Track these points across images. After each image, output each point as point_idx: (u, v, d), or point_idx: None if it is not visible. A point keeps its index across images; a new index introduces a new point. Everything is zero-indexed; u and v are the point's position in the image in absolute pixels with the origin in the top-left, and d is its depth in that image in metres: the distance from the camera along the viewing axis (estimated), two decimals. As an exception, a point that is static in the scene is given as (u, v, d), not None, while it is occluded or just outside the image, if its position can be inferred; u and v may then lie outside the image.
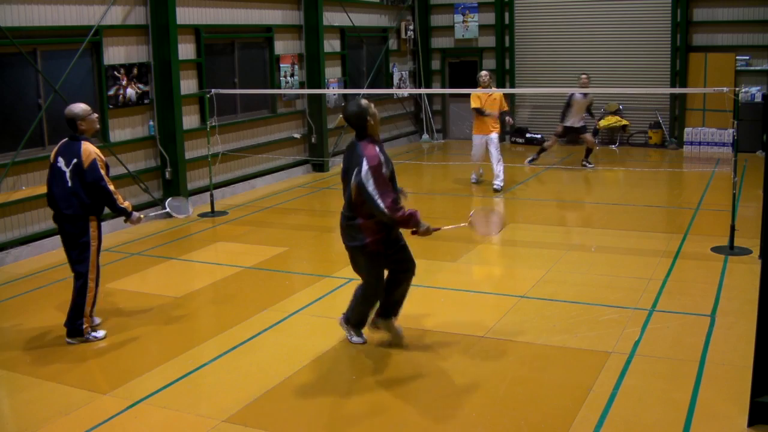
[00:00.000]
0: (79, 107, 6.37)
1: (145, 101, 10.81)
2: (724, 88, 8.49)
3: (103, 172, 6.25)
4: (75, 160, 6.22)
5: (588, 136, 13.69)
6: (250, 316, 6.92)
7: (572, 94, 13.30)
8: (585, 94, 13.22)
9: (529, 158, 14.28)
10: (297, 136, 14.17)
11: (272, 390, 5.44)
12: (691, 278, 7.67)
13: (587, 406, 5.01)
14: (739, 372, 5.32)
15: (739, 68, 15.19)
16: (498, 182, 12.11)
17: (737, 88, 9.14)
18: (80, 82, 9.92)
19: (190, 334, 6.68)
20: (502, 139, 17.38)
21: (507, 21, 17.35)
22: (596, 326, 6.40)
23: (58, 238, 9.38)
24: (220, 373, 5.81)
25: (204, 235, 10.20)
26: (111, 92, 10.24)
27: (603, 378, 5.41)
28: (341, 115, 16.62)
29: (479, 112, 12.07)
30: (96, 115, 6.53)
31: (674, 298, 7.06)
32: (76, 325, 6.40)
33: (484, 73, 12.27)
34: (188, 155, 11.49)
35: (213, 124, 11.27)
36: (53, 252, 9.33)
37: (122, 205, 6.44)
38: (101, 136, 10.12)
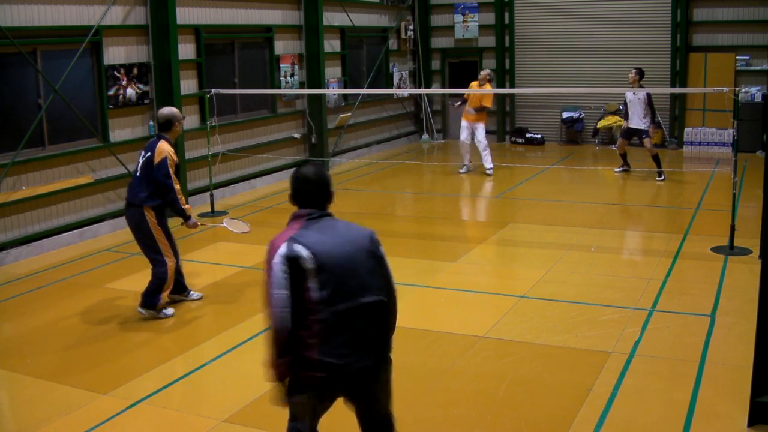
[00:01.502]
0: (177, 110, 6.98)
1: (145, 101, 10.81)
2: (724, 88, 8.48)
3: (171, 170, 6.65)
4: (148, 155, 6.69)
5: (646, 141, 12.53)
6: (250, 316, 6.91)
7: (626, 93, 12.71)
8: (634, 93, 12.33)
9: (617, 169, 13.28)
10: (297, 136, 14.17)
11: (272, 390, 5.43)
12: (691, 278, 7.67)
13: (587, 406, 5.01)
14: (739, 372, 5.32)
15: (739, 68, 15.19)
16: (488, 165, 13.55)
17: (737, 88, 9.13)
18: (80, 82, 9.91)
19: (190, 334, 6.68)
20: (501, 138, 17.54)
21: (507, 21, 17.34)
22: (596, 326, 6.40)
23: (58, 238, 9.54)
24: (220, 373, 5.81)
25: (204, 235, 10.19)
26: (111, 92, 10.23)
27: (603, 378, 5.41)
28: (341, 116, 16.61)
29: (462, 101, 13.92)
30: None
31: (674, 298, 7.06)
32: (153, 300, 6.85)
33: (485, 72, 13.57)
34: (188, 155, 11.48)
35: (213, 124, 11.26)
36: (53, 252, 9.33)
37: (183, 206, 6.80)
38: (102, 136, 10.12)
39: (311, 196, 3.76)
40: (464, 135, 13.62)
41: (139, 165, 6.75)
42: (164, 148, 6.68)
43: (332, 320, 3.43)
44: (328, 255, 3.45)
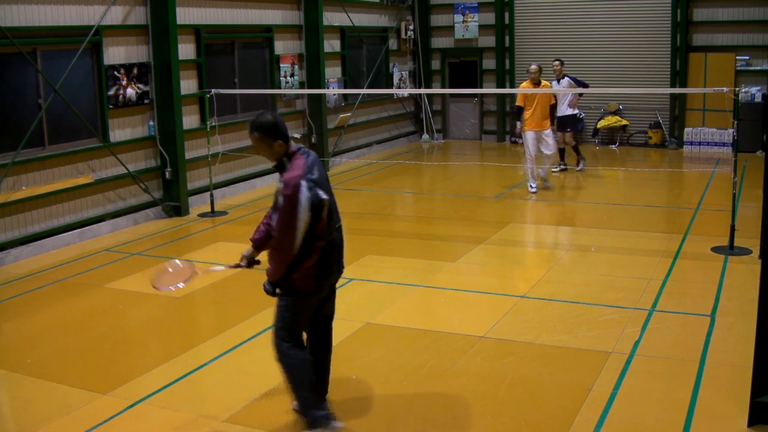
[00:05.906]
0: None
1: (145, 101, 10.81)
2: (724, 88, 8.49)
3: None
4: None
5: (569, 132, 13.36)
6: (250, 316, 6.91)
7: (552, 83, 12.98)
8: (559, 82, 13.00)
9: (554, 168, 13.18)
10: (297, 136, 14.17)
11: (272, 390, 5.43)
12: (691, 278, 7.67)
13: (587, 406, 5.01)
14: (739, 372, 5.32)
15: (739, 68, 15.19)
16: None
17: (737, 88, 9.13)
18: (80, 82, 9.91)
19: (190, 334, 6.68)
20: (501, 138, 17.51)
21: (507, 21, 17.35)
22: (596, 326, 6.40)
23: (58, 238, 9.51)
24: (220, 373, 5.81)
25: (204, 235, 10.20)
26: (111, 92, 10.23)
27: (603, 378, 5.41)
28: (341, 116, 16.58)
29: (518, 111, 11.84)
30: None
31: (674, 298, 7.06)
32: None
33: (538, 67, 11.54)
34: (188, 155, 11.48)
35: (213, 124, 11.27)
36: (53, 252, 9.33)
37: None
38: (101, 136, 10.12)
39: (286, 131, 4.81)
40: (534, 149, 11.69)
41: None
42: None
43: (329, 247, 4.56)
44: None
